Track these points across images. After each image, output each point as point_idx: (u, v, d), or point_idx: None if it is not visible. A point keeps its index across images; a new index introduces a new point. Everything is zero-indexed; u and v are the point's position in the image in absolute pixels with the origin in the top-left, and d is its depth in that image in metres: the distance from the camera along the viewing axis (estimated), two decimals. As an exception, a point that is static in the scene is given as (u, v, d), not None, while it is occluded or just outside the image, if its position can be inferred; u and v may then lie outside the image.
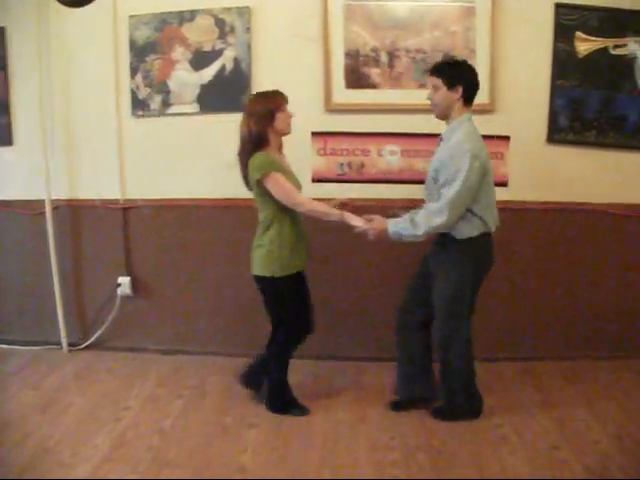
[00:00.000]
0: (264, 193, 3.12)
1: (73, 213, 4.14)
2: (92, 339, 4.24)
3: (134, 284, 4.17)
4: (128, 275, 4.15)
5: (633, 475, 2.81)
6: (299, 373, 3.83)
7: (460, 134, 3.02)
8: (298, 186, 3.24)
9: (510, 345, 4.05)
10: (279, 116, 3.13)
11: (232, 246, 4.03)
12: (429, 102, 3.13)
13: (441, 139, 3.16)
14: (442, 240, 3.18)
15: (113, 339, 4.24)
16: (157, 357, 4.13)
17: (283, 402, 3.42)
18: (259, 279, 3.27)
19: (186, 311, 4.18)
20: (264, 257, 3.20)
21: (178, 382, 3.79)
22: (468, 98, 3.07)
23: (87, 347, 4.25)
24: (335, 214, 3.17)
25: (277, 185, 3.08)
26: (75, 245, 4.18)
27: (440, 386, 3.38)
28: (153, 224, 4.10)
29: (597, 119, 3.86)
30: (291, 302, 3.31)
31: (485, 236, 3.13)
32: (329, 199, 3.42)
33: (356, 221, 3.11)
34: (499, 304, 3.94)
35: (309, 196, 3.86)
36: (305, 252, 3.32)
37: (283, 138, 3.26)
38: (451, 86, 3.02)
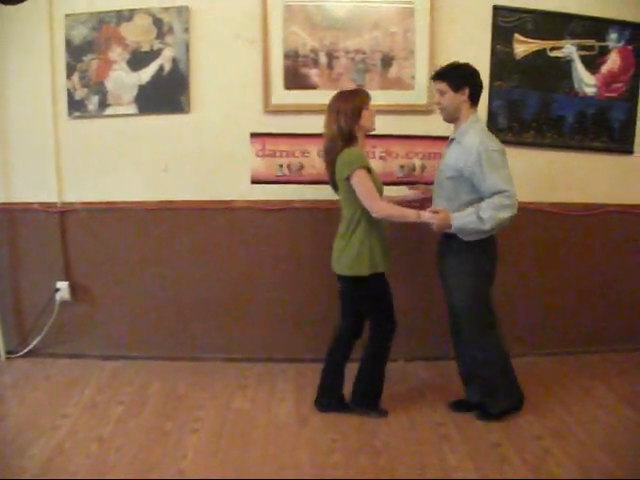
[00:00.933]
0: (352, 190, 3.12)
1: (8, 217, 4.03)
2: (30, 346, 4.13)
3: (73, 289, 4.08)
4: (67, 280, 4.07)
5: (573, 469, 2.86)
6: (239, 377, 3.85)
7: (474, 135, 3.09)
8: (380, 190, 3.23)
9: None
10: (365, 113, 3.14)
11: (171, 249, 4.01)
12: (437, 107, 3.25)
13: (451, 140, 3.24)
14: (448, 242, 3.22)
15: (52, 346, 4.14)
16: (97, 363, 4.05)
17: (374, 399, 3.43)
18: (347, 279, 3.26)
19: (126, 316, 4.11)
20: (354, 258, 3.17)
21: (118, 388, 3.72)
22: (474, 99, 3.15)
23: (25, 354, 4.14)
24: (412, 216, 3.13)
25: (362, 184, 3.09)
26: (11, 250, 4.07)
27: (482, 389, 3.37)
28: (91, 227, 4.02)
29: (535, 120, 3.93)
30: (382, 301, 3.31)
31: None
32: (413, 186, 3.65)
33: (429, 218, 3.11)
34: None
35: (250, 198, 3.89)
36: (388, 252, 3.31)
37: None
38: (457, 89, 3.10)
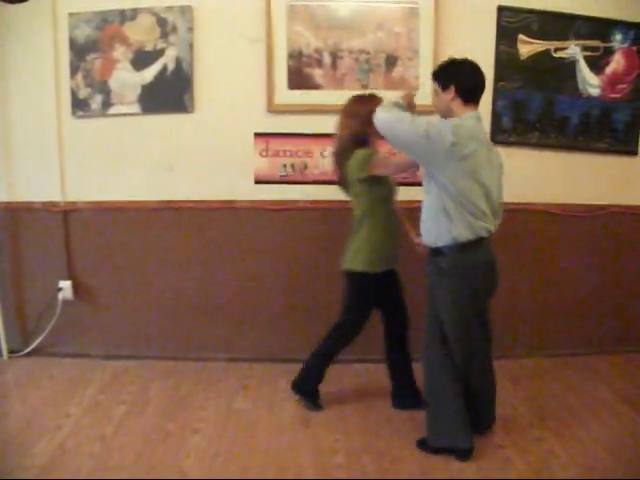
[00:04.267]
0: (360, 192, 3.19)
1: (11, 216, 4.03)
2: (33, 345, 4.13)
3: (75, 288, 4.08)
4: (69, 279, 4.06)
5: (575, 471, 2.86)
6: (242, 377, 3.85)
7: None
8: (394, 192, 3.33)
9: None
10: None
11: (174, 248, 4.01)
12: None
13: None
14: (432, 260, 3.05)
15: (55, 345, 4.14)
16: (100, 362, 4.05)
17: (311, 389, 3.49)
18: (346, 273, 3.32)
19: (129, 315, 4.11)
20: (353, 252, 3.27)
21: (120, 388, 3.72)
22: (465, 97, 2.88)
23: (28, 354, 4.13)
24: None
25: (381, 163, 3.19)
26: (14, 249, 4.07)
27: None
28: (94, 227, 4.02)
29: (540, 121, 3.92)
30: (368, 301, 3.36)
31: None
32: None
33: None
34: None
35: (254, 198, 3.89)
36: (394, 252, 3.33)
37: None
38: (444, 88, 2.90)
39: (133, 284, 4.08)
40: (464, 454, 2.94)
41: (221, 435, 3.19)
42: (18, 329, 4.16)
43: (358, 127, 3.15)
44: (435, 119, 2.94)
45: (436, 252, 2.91)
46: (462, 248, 2.82)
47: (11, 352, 4.14)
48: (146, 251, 4.04)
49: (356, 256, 3.25)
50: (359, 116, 3.14)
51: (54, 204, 3.99)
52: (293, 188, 3.92)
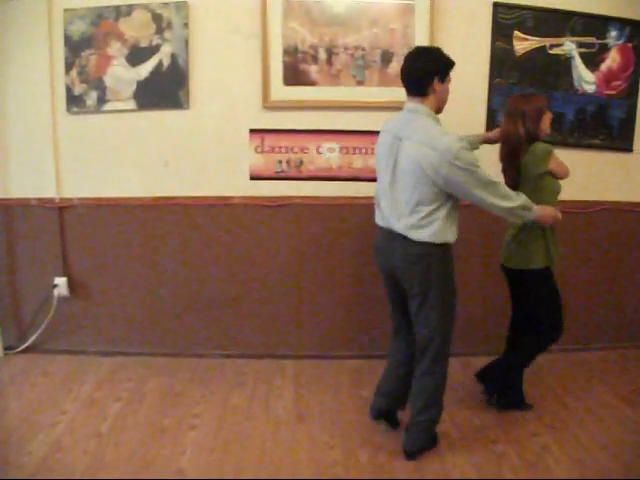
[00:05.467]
0: (540, 187, 3.12)
1: (6, 213, 4.02)
2: (29, 342, 4.12)
3: (71, 285, 4.07)
4: (65, 276, 4.05)
5: (570, 466, 2.88)
6: (238, 373, 3.87)
7: None
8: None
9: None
10: (545, 117, 3.13)
11: (170, 245, 4.00)
12: None
13: None
14: None
15: (50, 342, 4.13)
16: (95, 359, 4.04)
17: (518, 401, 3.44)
18: (525, 273, 3.26)
19: (124, 312, 4.11)
20: (531, 250, 3.19)
21: (116, 384, 3.72)
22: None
23: (24, 350, 4.12)
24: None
25: (561, 165, 3.14)
26: (9, 246, 4.06)
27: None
28: (90, 223, 4.01)
29: (535, 117, 3.92)
30: (557, 293, 3.32)
31: None
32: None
33: None
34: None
35: (249, 194, 3.88)
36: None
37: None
38: None
39: (128, 280, 4.07)
40: None
41: (217, 431, 3.20)
42: (13, 326, 4.15)
43: (531, 125, 3.08)
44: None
45: None
46: None
47: (6, 349, 4.13)
48: (141, 247, 4.03)
49: (535, 253, 3.18)
50: (528, 114, 3.09)
51: (49, 200, 3.97)
52: (288, 184, 3.91)
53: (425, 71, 2.77)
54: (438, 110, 2.88)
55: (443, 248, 2.81)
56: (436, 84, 2.78)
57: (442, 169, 2.65)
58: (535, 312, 3.30)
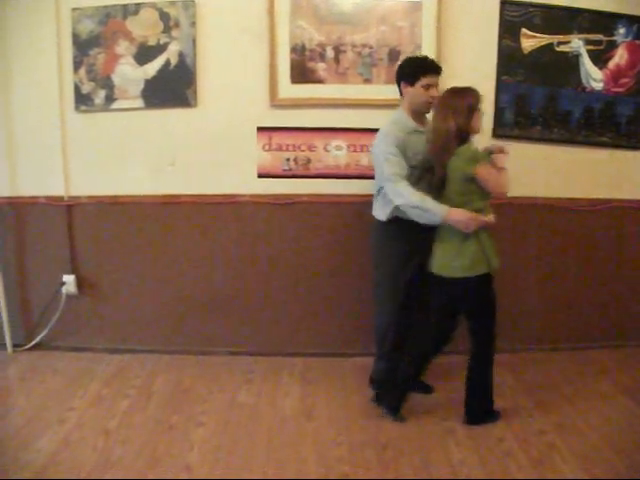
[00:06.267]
0: (468, 190, 3.00)
1: (15, 210, 4.04)
2: (37, 339, 4.14)
3: (79, 282, 4.09)
4: (73, 273, 4.07)
5: (577, 464, 2.87)
6: (245, 371, 3.88)
7: None
8: None
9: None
10: (477, 114, 3.02)
11: (177, 242, 4.02)
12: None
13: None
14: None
15: (58, 339, 4.15)
16: (103, 356, 4.06)
17: (485, 411, 3.29)
18: (460, 281, 3.09)
19: (132, 309, 4.12)
20: (468, 258, 3.03)
21: (124, 381, 3.73)
22: None
23: (32, 347, 4.15)
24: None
25: (491, 174, 2.98)
26: (18, 243, 4.08)
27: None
28: (98, 221, 4.03)
29: (542, 115, 3.91)
30: (494, 302, 3.19)
31: None
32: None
33: None
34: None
35: (257, 192, 3.89)
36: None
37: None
38: None
39: (136, 278, 4.09)
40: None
41: (224, 428, 3.21)
42: (22, 323, 4.17)
43: (461, 121, 2.96)
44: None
45: None
46: None
47: (15, 346, 4.15)
48: (149, 245, 4.04)
49: (475, 260, 3.02)
50: (460, 110, 2.97)
51: (57, 198, 3.99)
52: (296, 182, 3.92)
53: (396, 76, 3.28)
54: (416, 107, 3.24)
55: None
56: (404, 87, 3.23)
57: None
58: (473, 322, 3.19)
